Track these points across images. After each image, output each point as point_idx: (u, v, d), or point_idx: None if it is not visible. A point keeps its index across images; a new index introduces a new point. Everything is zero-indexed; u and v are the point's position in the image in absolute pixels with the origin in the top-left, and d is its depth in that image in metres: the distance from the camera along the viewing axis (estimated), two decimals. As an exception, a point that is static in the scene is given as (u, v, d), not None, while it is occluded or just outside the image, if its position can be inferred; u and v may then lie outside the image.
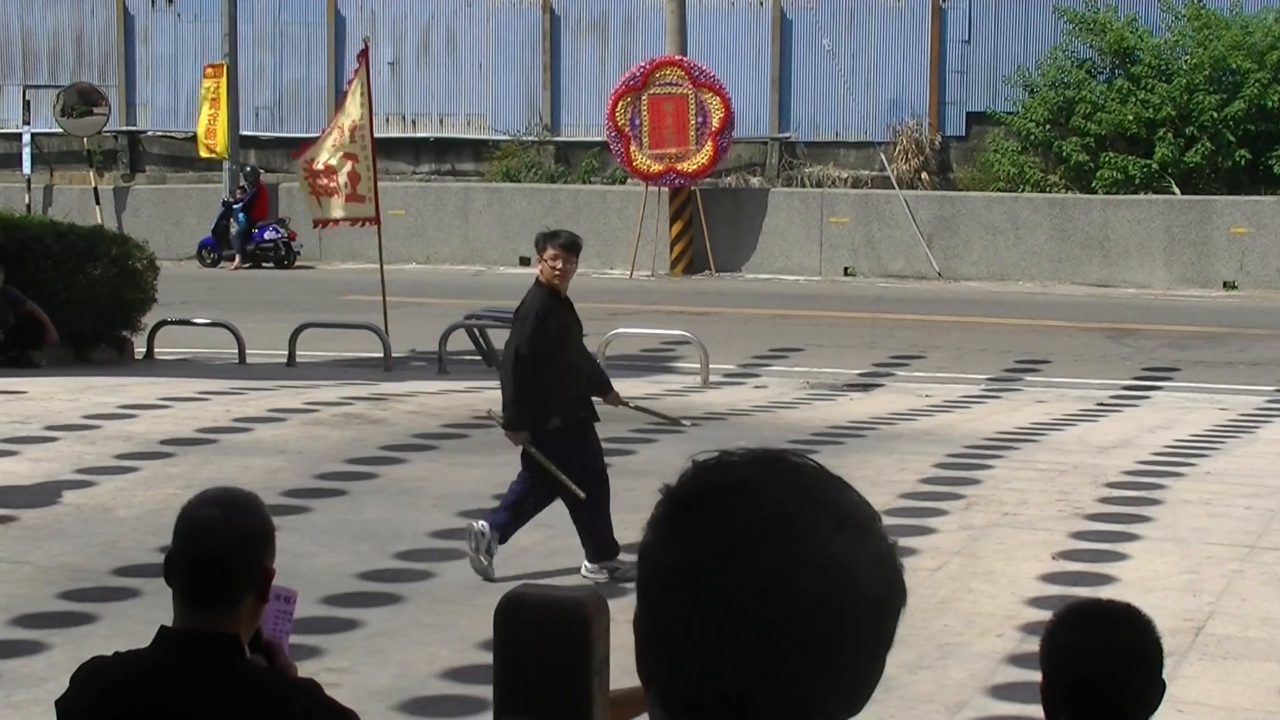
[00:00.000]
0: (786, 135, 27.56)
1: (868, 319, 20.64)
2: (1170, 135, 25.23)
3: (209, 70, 27.26)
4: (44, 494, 10.02)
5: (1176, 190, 25.11)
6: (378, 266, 17.79)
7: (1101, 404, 14.85)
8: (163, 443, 11.54)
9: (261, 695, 2.91)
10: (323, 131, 17.71)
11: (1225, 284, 24.14)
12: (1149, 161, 25.36)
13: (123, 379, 14.81)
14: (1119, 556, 8.99)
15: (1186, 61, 25.52)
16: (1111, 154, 25.58)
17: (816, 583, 1.34)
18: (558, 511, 9.92)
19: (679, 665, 1.37)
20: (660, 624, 1.38)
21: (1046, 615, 7.91)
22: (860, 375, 16.74)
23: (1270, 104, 25.08)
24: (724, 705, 1.35)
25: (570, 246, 8.74)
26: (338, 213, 17.16)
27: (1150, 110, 25.36)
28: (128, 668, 2.97)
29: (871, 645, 1.38)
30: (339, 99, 19.01)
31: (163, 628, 2.99)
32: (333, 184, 17.04)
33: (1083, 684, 2.85)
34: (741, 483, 1.38)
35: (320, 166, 17.09)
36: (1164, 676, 2.91)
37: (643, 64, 25.30)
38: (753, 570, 1.34)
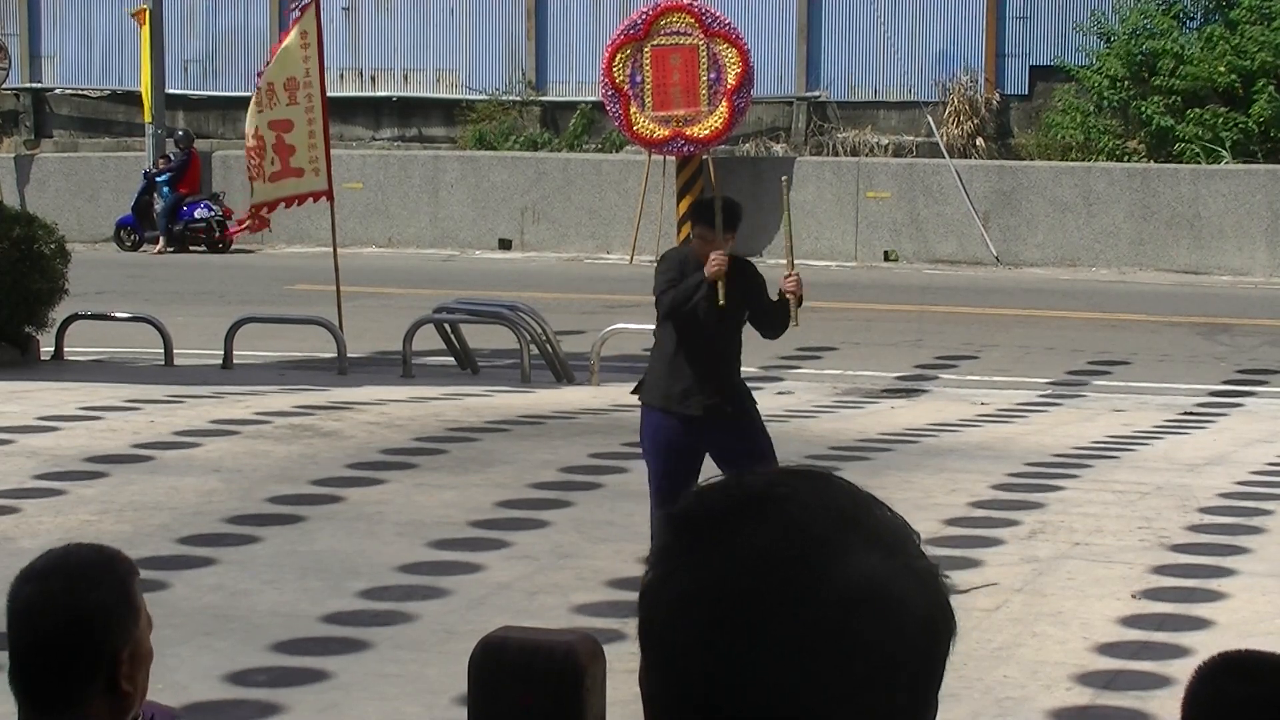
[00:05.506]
0: (816, 94, 27.56)
1: (913, 312, 20.65)
2: (1271, 89, 25.11)
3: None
4: (-66, 521, 10.01)
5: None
6: (330, 250, 17.79)
7: (1191, 413, 14.85)
8: (76, 460, 11.54)
9: None
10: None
11: (1339, 270, 24.15)
12: (1243, 117, 25.18)
13: (26, 384, 14.82)
14: (1213, 595, 8.99)
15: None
16: (1198, 111, 25.43)
17: (852, 606, 1.35)
18: (548, 540, 9.92)
19: (697, 716, 1.37)
20: (669, 671, 1.38)
21: (1125, 665, 7.93)
22: (903, 379, 16.75)
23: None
24: None
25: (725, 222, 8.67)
26: (273, 195, 16.73)
27: (1246, 59, 25.20)
28: None
29: (919, 679, 1.38)
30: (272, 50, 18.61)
31: None
32: (260, 162, 16.62)
33: None
34: (760, 498, 1.40)
35: (253, 141, 16.79)
36: None
37: (645, 9, 25.31)
38: (778, 596, 1.35)
